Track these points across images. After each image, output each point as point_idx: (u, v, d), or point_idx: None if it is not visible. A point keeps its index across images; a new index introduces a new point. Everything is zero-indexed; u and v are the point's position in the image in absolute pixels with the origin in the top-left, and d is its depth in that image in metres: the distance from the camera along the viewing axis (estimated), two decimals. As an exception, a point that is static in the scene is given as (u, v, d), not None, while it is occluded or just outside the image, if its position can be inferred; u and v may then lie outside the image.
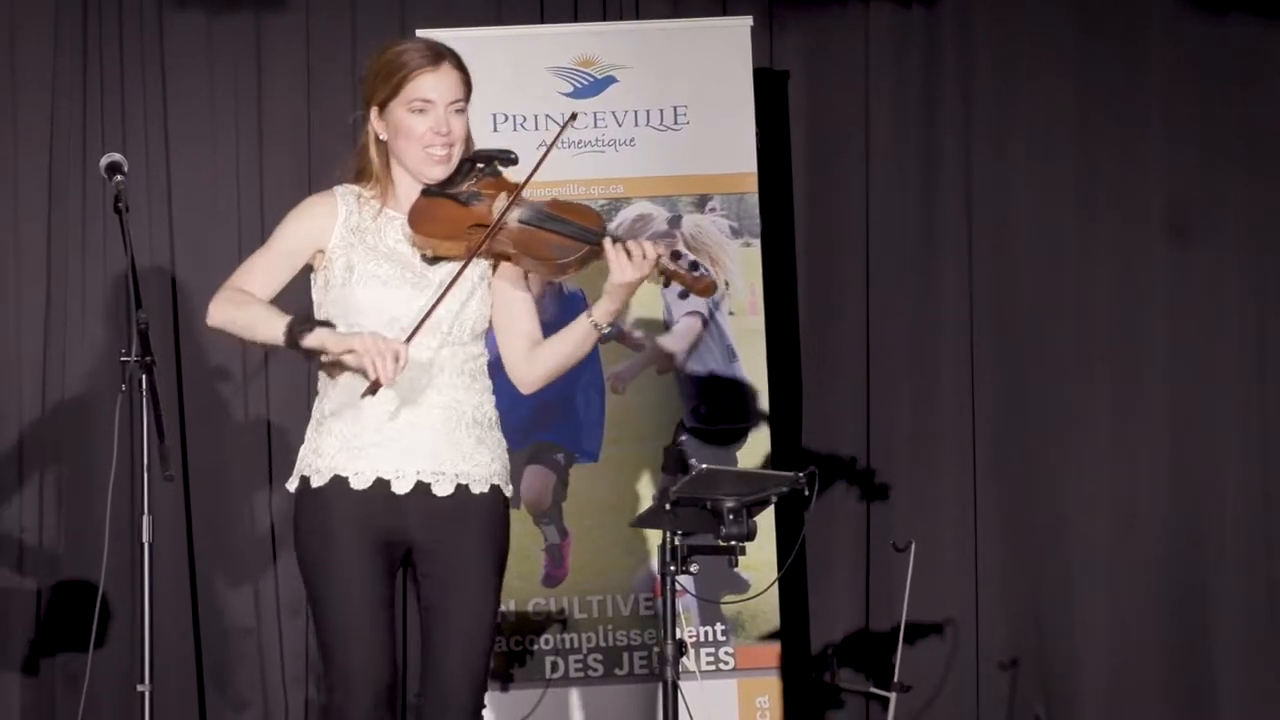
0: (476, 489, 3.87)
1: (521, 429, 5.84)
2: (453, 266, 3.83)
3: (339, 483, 3.83)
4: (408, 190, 3.91)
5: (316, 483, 3.85)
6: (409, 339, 3.71)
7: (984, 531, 6.44)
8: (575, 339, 3.92)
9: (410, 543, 3.87)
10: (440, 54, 3.88)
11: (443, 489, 3.84)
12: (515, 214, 3.83)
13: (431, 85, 3.85)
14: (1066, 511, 6.43)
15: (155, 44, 6.33)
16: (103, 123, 6.28)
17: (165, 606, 5.78)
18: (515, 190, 3.85)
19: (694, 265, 3.88)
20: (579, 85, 6.03)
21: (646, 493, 5.83)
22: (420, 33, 5.99)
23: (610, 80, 6.04)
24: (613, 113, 6.02)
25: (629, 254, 3.78)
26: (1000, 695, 6.41)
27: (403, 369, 3.68)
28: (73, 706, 5.76)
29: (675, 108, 6.03)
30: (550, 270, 3.88)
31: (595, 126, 6.02)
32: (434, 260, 3.86)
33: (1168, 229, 6.49)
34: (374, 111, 3.91)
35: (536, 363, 3.95)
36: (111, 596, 5.90)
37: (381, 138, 3.91)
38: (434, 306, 3.75)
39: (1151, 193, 6.50)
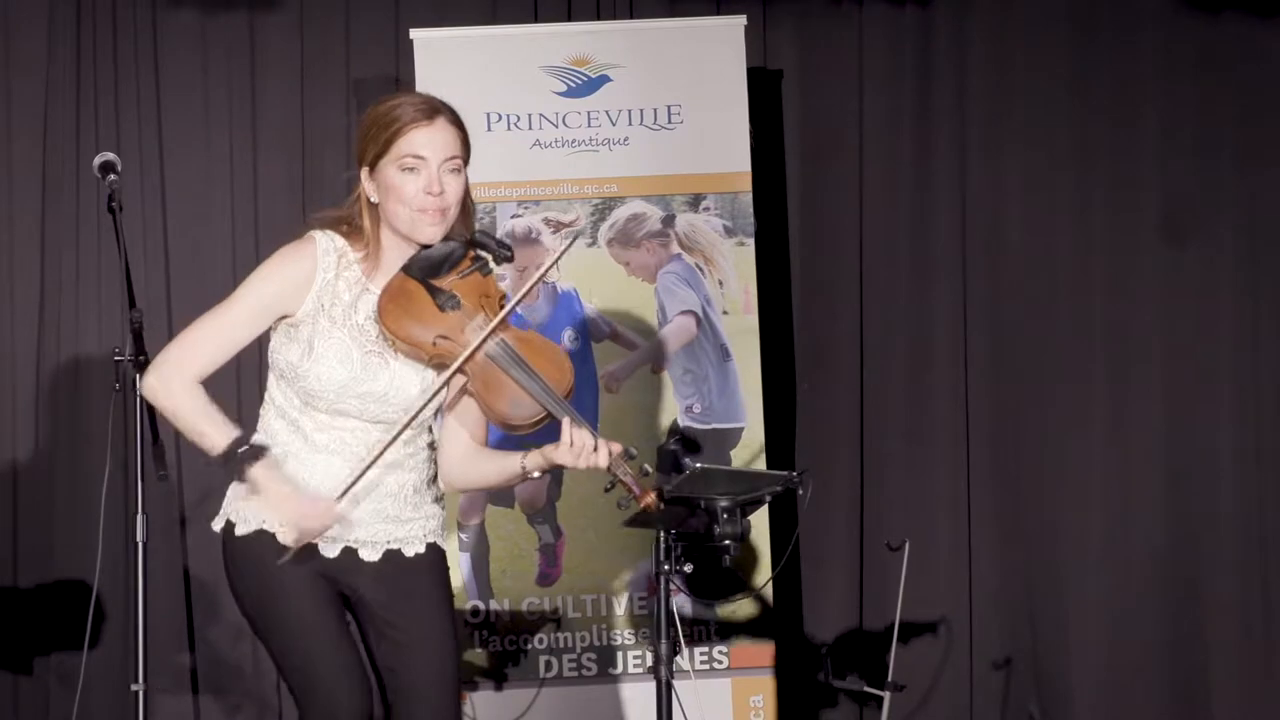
0: (410, 551, 3.72)
1: (515, 428, 5.84)
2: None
3: (265, 536, 3.63)
4: (393, 259, 3.65)
5: (241, 530, 3.66)
6: (341, 495, 3.55)
7: (978, 531, 6.44)
8: (504, 472, 3.74)
9: (353, 594, 3.70)
10: (436, 109, 3.62)
11: (370, 555, 3.69)
12: (488, 346, 3.59)
13: (425, 141, 3.58)
14: (1060, 511, 6.43)
15: (149, 43, 6.33)
16: (97, 122, 6.28)
17: (159, 606, 5.78)
18: (495, 321, 3.60)
19: (644, 472, 3.70)
20: (573, 84, 6.03)
21: (640, 492, 5.83)
22: (414, 32, 5.99)
23: (604, 79, 6.04)
24: (606, 112, 6.02)
25: (581, 446, 3.59)
26: (994, 694, 6.42)
27: (333, 522, 3.56)
28: (67, 706, 5.76)
29: (669, 107, 6.03)
30: (495, 419, 3.63)
31: (589, 126, 6.02)
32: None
33: (1162, 228, 6.50)
34: (364, 172, 3.64)
35: (467, 474, 3.76)
36: (105, 596, 5.89)
37: (373, 200, 3.64)
38: (368, 468, 3.57)
39: (1146, 192, 6.51)
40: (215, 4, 6.36)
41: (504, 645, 5.88)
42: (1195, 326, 6.48)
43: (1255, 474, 6.45)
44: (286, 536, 3.59)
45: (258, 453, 3.60)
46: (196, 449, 3.66)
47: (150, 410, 4.73)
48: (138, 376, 4.71)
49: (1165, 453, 6.45)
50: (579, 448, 3.60)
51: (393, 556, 3.71)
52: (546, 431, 3.65)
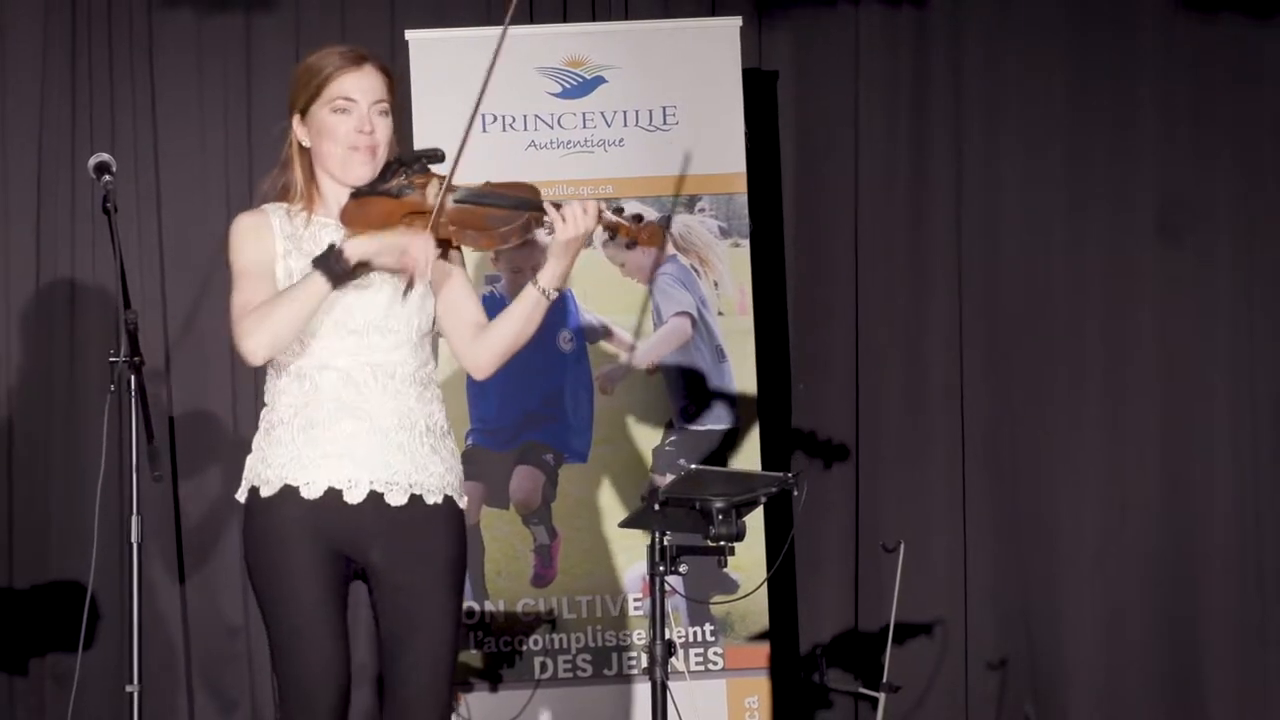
0: (430, 499, 3.80)
1: (511, 429, 5.85)
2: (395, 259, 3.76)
3: (289, 492, 3.75)
4: (335, 197, 3.85)
5: (266, 492, 3.77)
6: (431, 226, 3.71)
7: (973, 531, 6.44)
8: (524, 311, 3.85)
9: (365, 561, 3.79)
10: (362, 55, 3.83)
11: (396, 498, 3.77)
12: (451, 196, 3.78)
13: (353, 84, 3.79)
14: (1056, 511, 6.43)
15: (144, 44, 6.32)
16: (91, 123, 6.28)
17: (154, 607, 5.78)
18: (451, 169, 3.79)
19: (637, 218, 3.84)
20: (568, 85, 6.03)
21: (635, 493, 5.83)
22: (410, 33, 6.00)
23: (599, 80, 6.04)
24: (602, 113, 6.02)
25: (572, 215, 3.75)
26: (989, 695, 6.42)
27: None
28: (62, 707, 5.76)
29: (664, 108, 6.03)
30: (492, 241, 3.81)
31: (584, 127, 6.02)
32: None
33: (1159, 228, 6.50)
34: (296, 119, 3.85)
35: (487, 344, 3.87)
36: (100, 597, 5.90)
37: (305, 144, 3.85)
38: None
39: (1143, 193, 6.51)
40: (211, 5, 6.36)
41: (499, 646, 5.88)
42: (1191, 327, 6.48)
43: (1251, 474, 6.45)
44: (403, 261, 3.69)
45: (330, 249, 3.70)
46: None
47: (146, 411, 4.72)
48: (132, 378, 4.71)
49: (1161, 453, 6.45)
50: (571, 218, 3.75)
51: (415, 503, 3.78)
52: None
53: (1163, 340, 6.47)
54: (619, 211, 3.84)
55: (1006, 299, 6.50)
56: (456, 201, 3.79)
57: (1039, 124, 6.51)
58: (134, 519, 4.80)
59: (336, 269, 3.68)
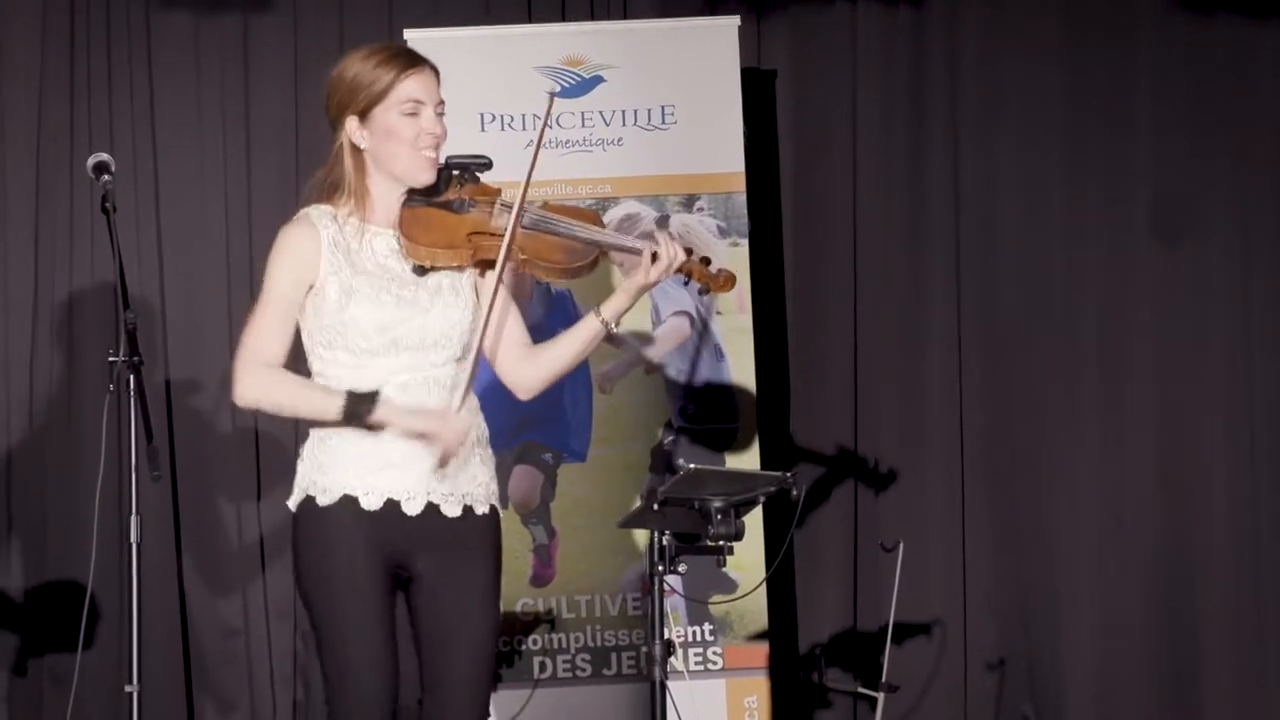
0: (480, 509, 3.82)
1: (509, 429, 5.84)
2: (453, 277, 3.79)
3: (348, 502, 3.74)
4: (386, 203, 3.81)
5: (324, 501, 3.75)
6: (460, 406, 3.74)
7: (972, 532, 6.44)
8: (584, 338, 3.89)
9: (411, 568, 3.80)
10: (418, 56, 3.83)
11: (452, 510, 3.78)
12: (528, 220, 3.79)
13: (421, 86, 3.78)
14: (1054, 512, 6.43)
15: (142, 44, 6.32)
16: (90, 123, 6.28)
17: (153, 607, 5.78)
18: (520, 194, 3.78)
19: (706, 260, 3.88)
20: (567, 85, 6.02)
21: (634, 493, 5.83)
22: (408, 33, 5.99)
23: (598, 80, 6.04)
24: (600, 112, 6.02)
25: (654, 255, 3.80)
26: (988, 695, 6.42)
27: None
28: (61, 707, 5.76)
29: (663, 107, 6.03)
30: (560, 274, 3.83)
31: (583, 126, 6.02)
32: (424, 271, 3.79)
33: (1156, 228, 6.50)
34: (353, 120, 3.79)
35: (540, 366, 3.91)
36: (99, 597, 5.89)
37: (362, 146, 3.80)
38: (484, 332, 3.77)
39: (1139, 192, 6.51)
40: (209, 5, 6.36)
41: (498, 646, 5.88)
42: (1189, 327, 6.48)
43: (1249, 475, 6.45)
44: (432, 456, 3.70)
45: (373, 396, 3.71)
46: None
47: (145, 411, 4.72)
48: (132, 378, 4.71)
49: (1159, 453, 6.45)
50: (659, 269, 3.82)
51: (468, 514, 3.80)
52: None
53: (1160, 339, 6.47)
54: (705, 261, 3.87)
55: (1004, 298, 6.50)
56: (525, 227, 3.79)
57: (1036, 123, 6.51)
58: (133, 519, 4.81)
59: (356, 416, 3.69)
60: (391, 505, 3.75)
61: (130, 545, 4.80)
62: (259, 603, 6.21)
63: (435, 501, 3.77)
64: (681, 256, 3.82)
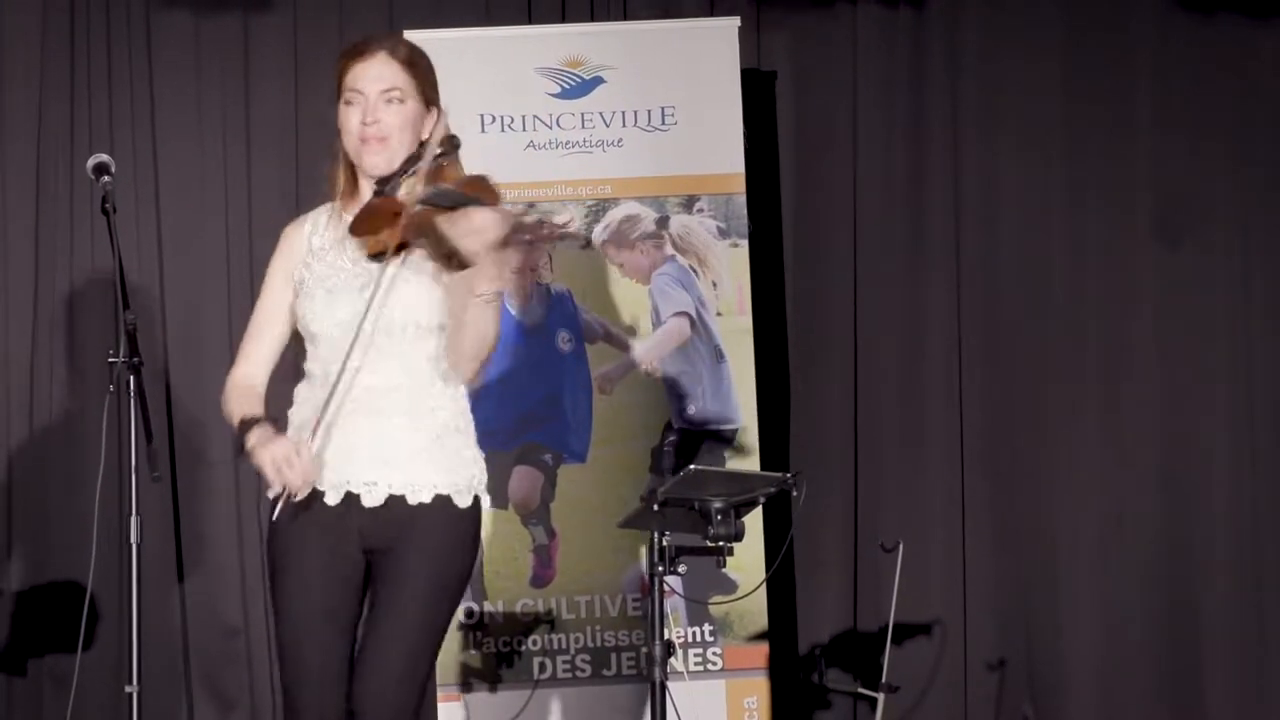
0: (460, 500, 3.72)
1: (510, 430, 5.84)
2: (412, 263, 3.68)
3: (312, 495, 3.66)
4: (366, 194, 3.78)
5: (276, 505, 3.67)
6: (314, 431, 3.61)
7: (972, 532, 6.44)
8: (470, 308, 3.66)
9: (372, 559, 3.71)
10: (374, 42, 3.78)
11: (416, 498, 3.68)
12: (419, 195, 3.64)
13: (360, 74, 3.73)
14: (1054, 512, 6.43)
15: (143, 44, 6.32)
16: (90, 123, 6.28)
17: (153, 607, 5.77)
18: (422, 163, 3.67)
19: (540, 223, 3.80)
20: (567, 86, 6.03)
21: (634, 493, 5.83)
22: (408, 33, 5.97)
23: (598, 81, 6.04)
24: (600, 113, 6.02)
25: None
26: (988, 696, 6.42)
27: (310, 465, 3.60)
28: (60, 707, 5.76)
29: (663, 108, 6.03)
30: (447, 254, 3.61)
31: (583, 127, 6.02)
32: (375, 258, 3.67)
33: (1156, 229, 6.50)
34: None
35: (457, 343, 3.70)
36: (99, 597, 5.89)
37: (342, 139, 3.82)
38: (364, 315, 3.63)
39: (1140, 193, 6.51)
40: (209, 5, 6.36)
41: (498, 647, 5.88)
42: (1189, 327, 6.49)
43: (1249, 474, 6.46)
44: (271, 488, 3.64)
45: (251, 423, 3.69)
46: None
47: (145, 411, 4.72)
48: (131, 379, 4.71)
49: (1159, 453, 6.45)
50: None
51: (438, 502, 3.70)
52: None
53: (1161, 339, 6.48)
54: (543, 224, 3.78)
55: (1005, 298, 6.50)
56: (420, 203, 3.63)
57: (1037, 123, 6.51)
58: (133, 519, 4.81)
59: (242, 441, 3.70)
60: (351, 499, 3.66)
61: (130, 545, 4.80)
62: (259, 602, 6.21)
63: (396, 492, 3.67)
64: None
